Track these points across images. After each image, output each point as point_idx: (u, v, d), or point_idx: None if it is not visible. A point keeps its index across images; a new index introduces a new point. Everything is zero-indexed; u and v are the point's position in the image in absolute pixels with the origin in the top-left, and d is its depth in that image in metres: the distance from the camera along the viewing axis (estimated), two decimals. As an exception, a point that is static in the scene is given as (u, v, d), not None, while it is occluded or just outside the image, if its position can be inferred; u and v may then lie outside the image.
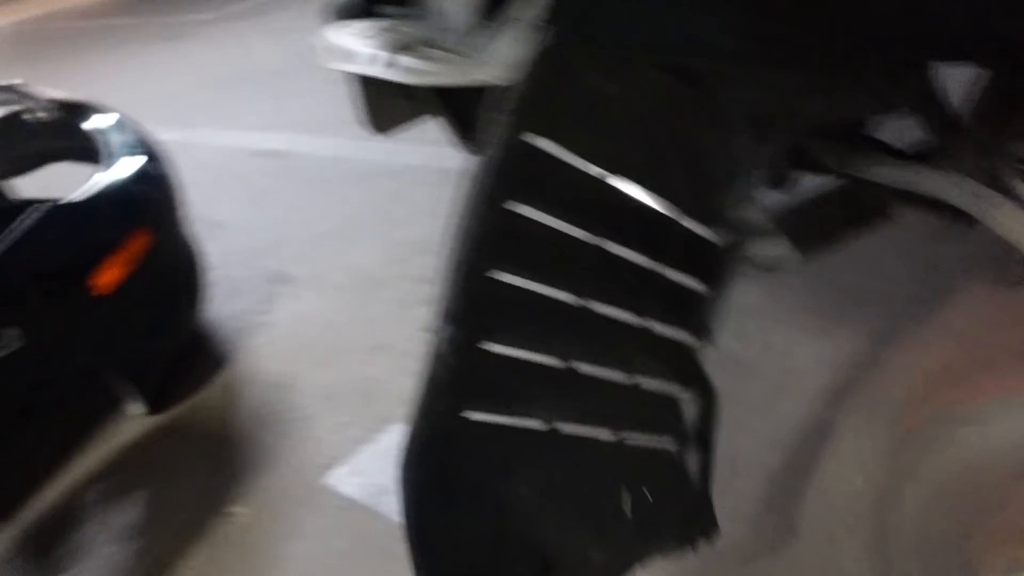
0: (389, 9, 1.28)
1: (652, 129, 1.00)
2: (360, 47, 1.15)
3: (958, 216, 1.44)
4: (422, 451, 0.90)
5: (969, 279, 2.16)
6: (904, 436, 0.85)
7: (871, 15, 1.15)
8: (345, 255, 3.20)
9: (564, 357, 0.98)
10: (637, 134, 0.99)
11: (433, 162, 3.52)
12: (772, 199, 1.49)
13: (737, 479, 1.77)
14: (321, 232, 3.43)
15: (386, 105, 1.55)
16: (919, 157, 1.44)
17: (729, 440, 1.87)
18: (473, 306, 0.88)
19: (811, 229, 1.45)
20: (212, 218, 3.66)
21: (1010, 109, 1.27)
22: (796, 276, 2.39)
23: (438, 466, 0.93)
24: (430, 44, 1.09)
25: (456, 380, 0.89)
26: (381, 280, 2.94)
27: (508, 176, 0.85)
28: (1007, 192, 1.27)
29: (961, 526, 0.85)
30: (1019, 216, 1.12)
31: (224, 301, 2.98)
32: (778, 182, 1.76)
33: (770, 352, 2.15)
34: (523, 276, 0.93)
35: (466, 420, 0.93)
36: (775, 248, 1.25)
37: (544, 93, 0.82)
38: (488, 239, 0.86)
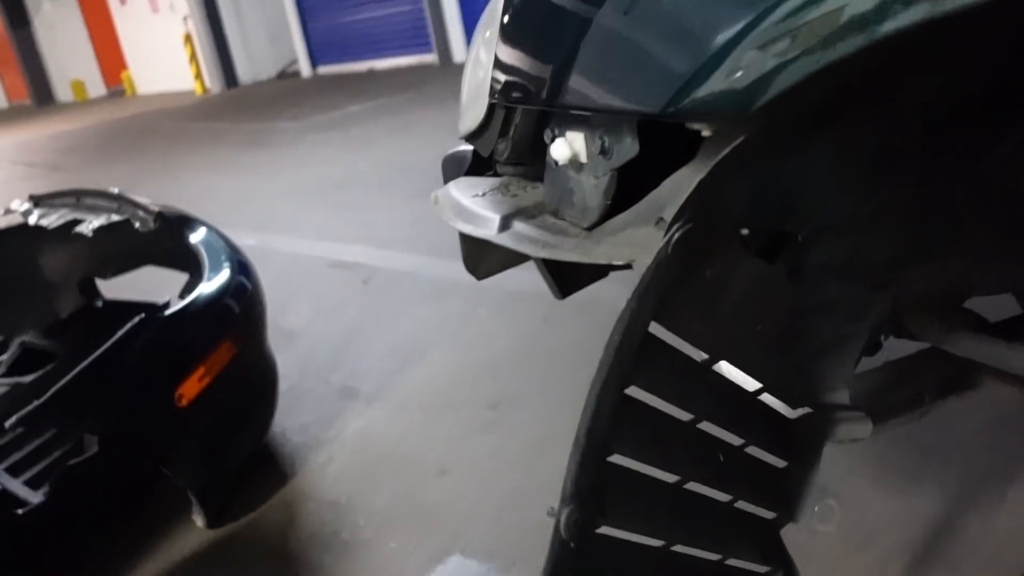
0: (508, 168, 1.33)
1: (751, 311, 1.02)
2: (476, 207, 1.20)
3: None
4: None
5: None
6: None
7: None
8: (414, 374, 3.24)
9: (668, 539, 0.99)
10: (736, 318, 1.02)
11: (505, 284, 3.57)
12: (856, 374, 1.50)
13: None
14: (392, 348, 3.49)
15: (489, 252, 1.60)
16: (1013, 333, 1.44)
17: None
18: (593, 488, 0.88)
19: (891, 406, 1.45)
20: (283, 327, 3.78)
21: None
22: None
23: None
24: (550, 212, 1.12)
25: (577, 563, 0.89)
26: (449, 402, 2.96)
27: (629, 362, 0.88)
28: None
29: None
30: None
31: (290, 414, 3.03)
32: (872, 349, 1.76)
33: (845, 508, 2.09)
34: (635, 458, 0.95)
35: None
36: (858, 427, 1.25)
37: (666, 282, 0.85)
38: (610, 423, 0.88)
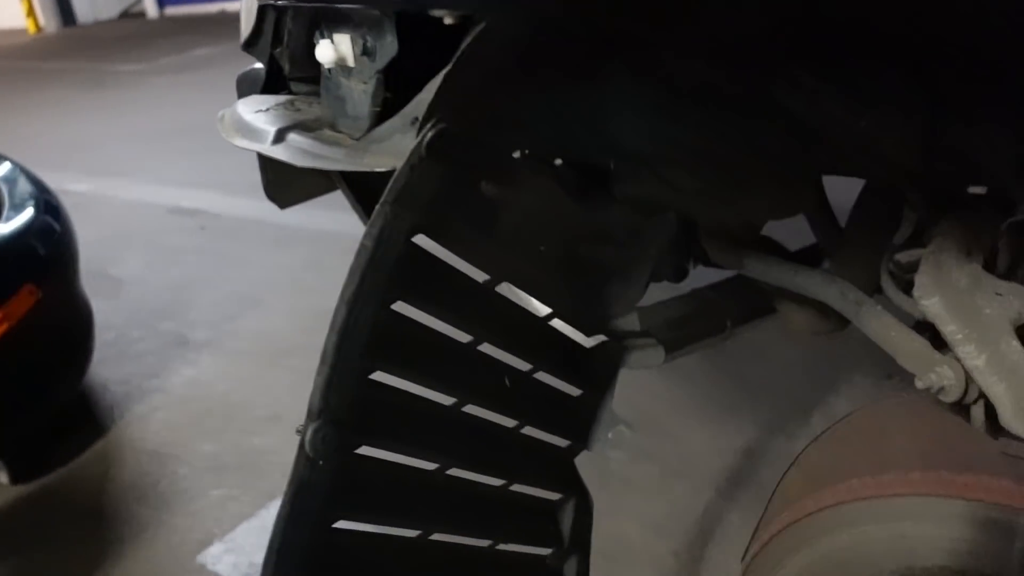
0: (299, 87, 1.26)
1: (539, 233, 1.00)
2: (256, 122, 1.12)
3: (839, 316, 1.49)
4: (289, 565, 0.83)
5: (859, 373, 2.24)
6: (778, 531, 0.85)
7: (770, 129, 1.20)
8: (250, 320, 3.12)
9: (442, 462, 0.96)
10: (523, 238, 0.99)
11: (351, 230, 3.47)
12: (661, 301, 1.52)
13: (623, 567, 1.75)
14: (228, 296, 3.34)
15: (288, 179, 1.52)
16: (809, 261, 1.49)
17: (618, 527, 1.88)
18: (350, 407, 0.83)
19: (695, 332, 1.47)
20: (112, 275, 3.56)
21: (888, 218, 1.32)
22: (690, 362, 2.43)
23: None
24: (329, 126, 1.07)
25: (331, 487, 0.84)
26: (285, 349, 2.86)
27: (391, 273, 0.83)
28: (882, 296, 1.31)
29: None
30: (883, 318, 1.16)
31: (113, 364, 2.87)
32: (678, 275, 1.79)
33: (663, 437, 2.15)
34: (402, 377, 0.90)
35: (338, 531, 0.88)
36: (651, 354, 1.26)
37: (426, 189, 0.80)
38: (368, 338, 0.83)
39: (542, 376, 1.15)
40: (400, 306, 0.91)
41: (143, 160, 5.63)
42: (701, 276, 1.62)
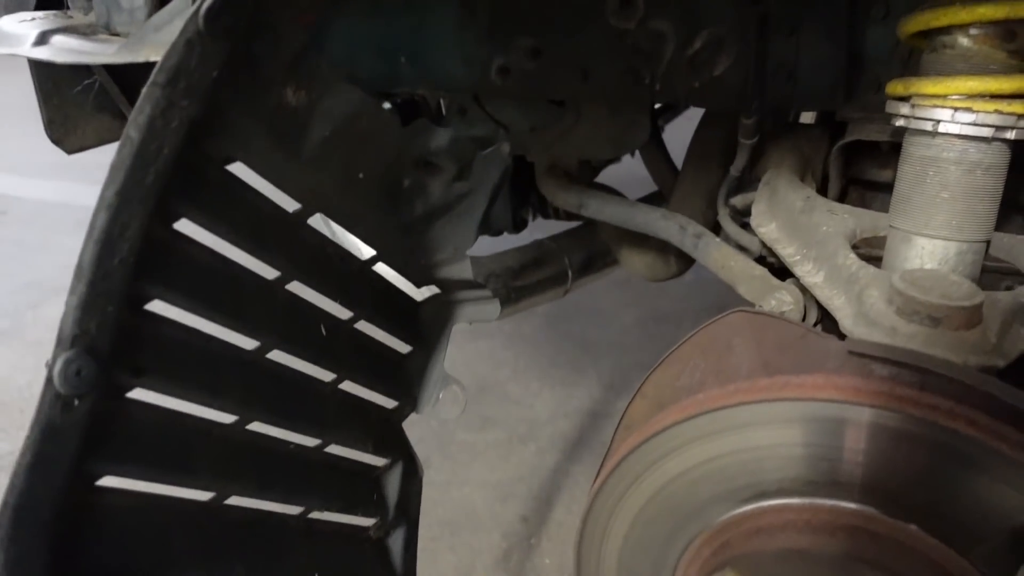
0: (74, 2, 1.09)
1: (356, 157, 0.88)
2: (19, 29, 0.95)
3: (679, 258, 1.46)
4: (32, 525, 0.67)
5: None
6: (625, 455, 0.78)
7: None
8: (49, 307, 2.82)
9: (238, 412, 0.82)
10: (338, 160, 0.87)
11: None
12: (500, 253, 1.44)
13: (469, 534, 1.67)
14: (27, 282, 3.01)
15: (71, 116, 1.33)
16: (647, 201, 1.46)
17: (464, 495, 1.80)
18: (115, 336, 0.68)
19: (535, 284, 1.41)
20: None
21: (722, 153, 1.30)
22: (532, 328, 2.39)
23: (56, 551, 0.68)
24: (103, 28, 0.92)
25: (89, 434, 0.68)
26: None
27: (166, 179, 0.69)
28: (718, 230, 1.29)
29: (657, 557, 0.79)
30: (722, 248, 1.13)
31: None
32: (518, 226, 1.73)
33: (508, 403, 2.09)
34: (185, 308, 0.76)
35: (101, 489, 0.72)
36: (485, 307, 1.18)
37: (206, 72, 0.67)
38: (139, 254, 0.68)
39: (365, 328, 1.03)
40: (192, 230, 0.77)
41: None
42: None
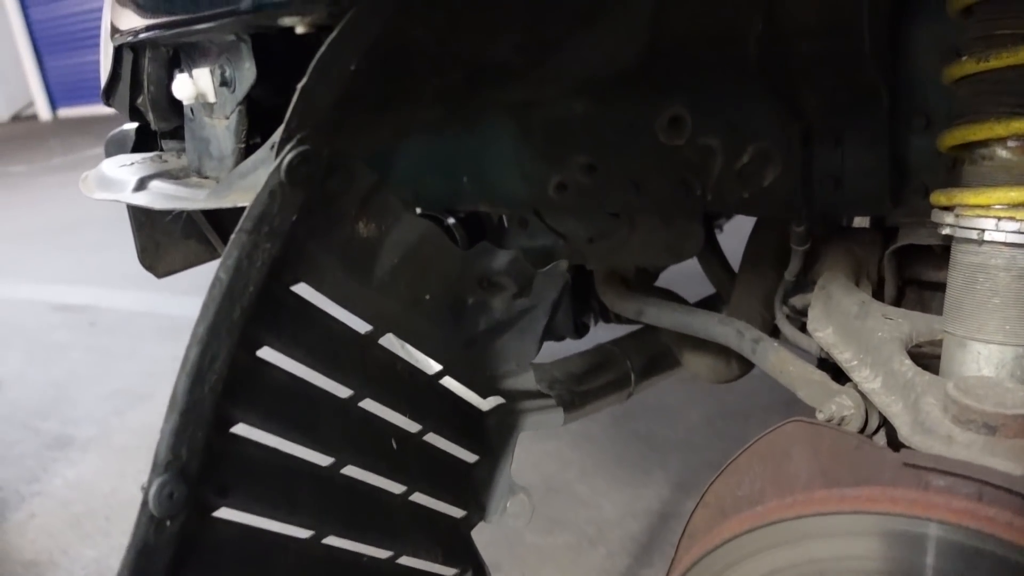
0: (169, 144, 1.20)
1: (422, 280, 0.94)
2: (119, 175, 1.06)
3: (740, 361, 1.48)
4: None
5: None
6: (688, 568, 0.80)
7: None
8: (139, 414, 2.94)
9: (314, 526, 0.87)
10: (405, 285, 0.93)
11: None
12: (563, 359, 1.48)
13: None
14: (116, 390, 3.15)
15: (162, 244, 1.44)
16: (703, 307, 1.49)
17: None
18: (204, 460, 0.74)
19: (598, 388, 1.43)
20: (-10, 376, 3.34)
21: (777, 257, 1.33)
22: (599, 427, 2.39)
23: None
24: (195, 172, 1.01)
25: (179, 552, 0.73)
26: (175, 441, 2.69)
27: (251, 312, 0.75)
28: (777, 334, 1.31)
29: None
30: (780, 352, 1.14)
31: (-12, 470, 2.64)
32: (579, 331, 1.77)
33: (577, 504, 2.09)
34: (266, 429, 0.82)
35: None
36: (549, 416, 1.21)
37: (287, 217, 0.74)
38: (227, 382, 0.74)
39: (434, 439, 1.08)
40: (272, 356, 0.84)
41: (28, 259, 5.41)
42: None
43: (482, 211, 1.53)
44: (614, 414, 2.43)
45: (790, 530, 0.72)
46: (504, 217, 1.56)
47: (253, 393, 0.79)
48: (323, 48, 0.67)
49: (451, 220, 1.56)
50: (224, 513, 0.79)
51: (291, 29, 0.70)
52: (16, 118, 15.04)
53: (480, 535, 1.14)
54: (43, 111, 14.52)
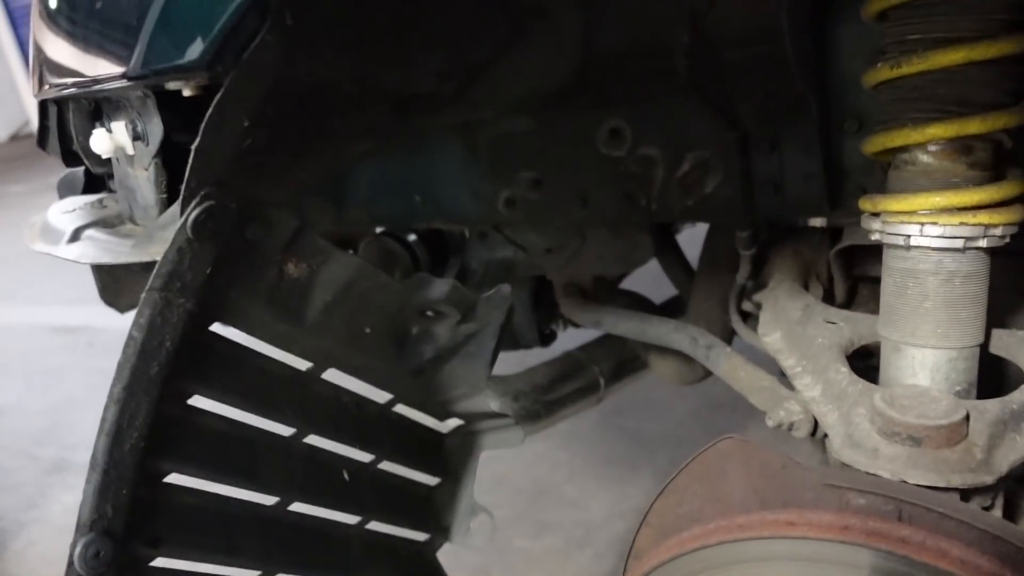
0: (113, 184, 1.20)
1: (359, 315, 0.94)
2: (59, 224, 1.06)
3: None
4: None
5: (753, 420, 2.23)
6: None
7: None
8: (134, 436, 2.96)
9: (260, 568, 0.87)
10: (341, 321, 0.93)
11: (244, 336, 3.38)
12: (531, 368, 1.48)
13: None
14: (112, 412, 3.17)
15: (120, 282, 1.45)
16: (675, 311, 1.49)
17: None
18: (133, 514, 0.75)
19: (568, 395, 1.43)
20: (-13, 404, 3.37)
21: (731, 261, 1.32)
22: (587, 425, 2.40)
23: None
24: (128, 219, 1.01)
25: None
26: (171, 461, 2.71)
27: (173, 365, 0.76)
28: (732, 337, 1.31)
29: None
30: (732, 359, 1.14)
31: (-14, 499, 2.67)
32: (546, 340, 1.76)
33: (565, 506, 2.09)
34: (200, 477, 0.83)
35: None
36: (508, 434, 1.21)
37: (198, 271, 0.74)
38: (149, 438, 0.75)
39: (390, 466, 1.08)
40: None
41: (25, 281, 5.43)
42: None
43: (441, 227, 1.53)
44: (602, 411, 2.42)
45: (713, 556, 0.73)
46: (465, 231, 1.56)
47: (184, 443, 0.80)
48: (210, 110, 0.68)
49: (412, 237, 1.56)
50: (161, 562, 0.80)
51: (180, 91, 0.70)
52: (14, 138, 15.07)
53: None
54: (40, 129, 14.54)
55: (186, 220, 0.72)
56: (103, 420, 0.73)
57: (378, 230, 1.57)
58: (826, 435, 0.98)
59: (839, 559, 0.67)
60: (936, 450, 0.75)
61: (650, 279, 1.68)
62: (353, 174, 1.32)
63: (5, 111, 14.94)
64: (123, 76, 0.71)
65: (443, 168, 1.29)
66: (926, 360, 0.87)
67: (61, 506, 2.60)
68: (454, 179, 1.29)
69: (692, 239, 1.60)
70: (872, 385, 0.88)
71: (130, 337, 0.72)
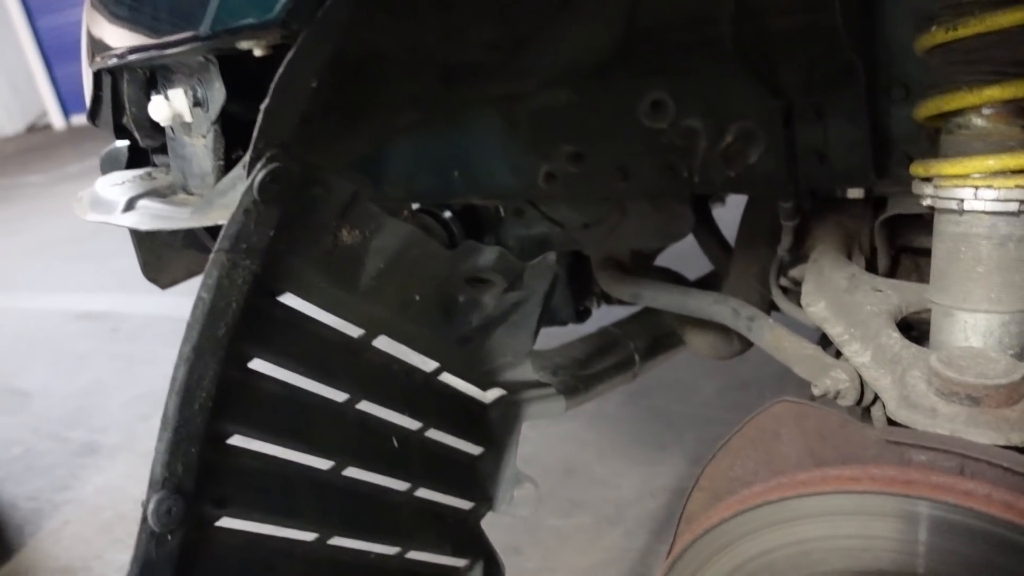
0: (160, 158, 1.21)
1: (409, 282, 0.95)
2: (110, 195, 1.07)
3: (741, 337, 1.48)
4: None
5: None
6: (681, 552, 0.81)
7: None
8: (159, 418, 2.98)
9: (317, 530, 0.89)
10: (392, 288, 0.95)
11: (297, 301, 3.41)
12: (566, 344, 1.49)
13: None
14: (140, 395, 3.21)
15: (162, 257, 1.46)
16: (709, 287, 1.49)
17: (551, 584, 1.82)
18: (201, 474, 0.76)
19: (603, 370, 1.44)
20: (17, 387, 3.40)
21: (771, 232, 1.32)
22: (614, 406, 2.41)
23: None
24: (183, 190, 1.02)
25: (180, 564, 0.75)
26: (200, 442, 2.74)
27: (237, 328, 0.77)
28: (773, 309, 1.31)
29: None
30: (776, 330, 1.15)
31: (21, 481, 2.70)
32: (581, 316, 1.77)
33: (595, 485, 2.10)
34: (261, 439, 0.84)
35: None
36: (550, 404, 1.22)
37: (263, 234, 0.75)
38: (216, 398, 0.77)
39: (437, 435, 1.09)
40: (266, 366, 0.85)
41: (48, 269, 5.49)
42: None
43: (477, 203, 1.54)
44: (629, 391, 2.44)
45: (777, 512, 0.73)
46: (500, 207, 1.57)
47: (246, 405, 0.81)
48: (281, 69, 0.69)
49: (447, 214, 1.57)
50: (226, 523, 0.81)
51: (252, 50, 0.71)
52: (31, 128, 15.17)
53: (500, 519, 1.16)
54: (57, 120, 14.63)
55: (253, 181, 0.73)
56: (173, 379, 0.74)
57: (414, 206, 1.58)
58: (873, 402, 0.99)
59: (903, 513, 0.67)
60: (995, 409, 0.75)
61: (676, 261, 1.68)
62: (391, 149, 1.33)
63: (21, 102, 15.04)
64: (194, 38, 0.72)
65: (482, 142, 1.29)
66: (979, 324, 0.87)
67: (93, 487, 2.63)
68: (493, 154, 1.30)
69: (721, 217, 1.60)
70: (925, 349, 0.89)
71: (199, 298, 0.73)
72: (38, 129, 15.10)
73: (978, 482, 0.66)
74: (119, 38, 0.87)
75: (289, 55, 0.68)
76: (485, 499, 1.17)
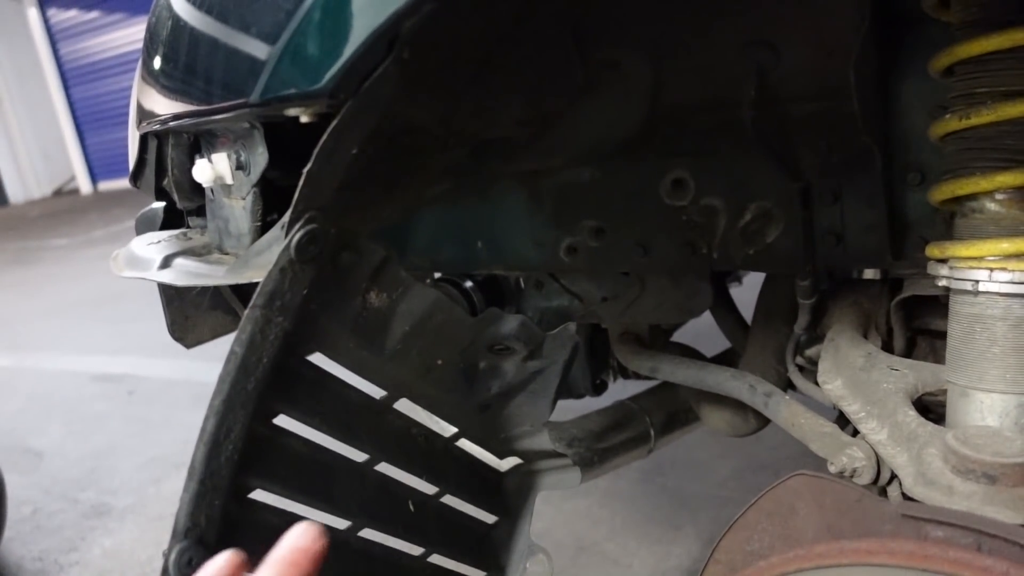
0: (195, 220, 1.26)
1: (434, 347, 0.98)
2: (146, 253, 1.11)
3: (757, 414, 1.48)
4: None
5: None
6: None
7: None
8: (174, 482, 2.98)
9: None
10: (417, 352, 0.97)
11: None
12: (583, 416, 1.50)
13: None
14: (152, 459, 3.21)
15: (190, 317, 1.49)
16: (721, 362, 1.50)
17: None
18: (223, 526, 0.78)
19: (618, 444, 1.45)
20: (31, 447, 3.41)
21: (787, 312, 1.34)
22: (628, 484, 2.39)
23: None
24: (216, 248, 1.06)
25: None
26: (209, 508, 2.73)
27: (266, 383, 0.79)
28: (789, 386, 1.32)
29: None
30: (792, 406, 1.15)
31: (29, 541, 2.69)
32: (598, 388, 1.78)
33: (607, 564, 2.08)
34: (282, 495, 0.85)
35: None
36: (566, 475, 1.23)
37: (297, 292, 0.78)
38: (243, 452, 0.78)
39: (452, 501, 1.10)
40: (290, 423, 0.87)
41: (68, 331, 5.55)
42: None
43: (498, 274, 1.56)
44: (643, 469, 2.43)
45: (793, 585, 0.73)
46: (521, 279, 1.60)
47: (269, 461, 0.83)
48: (325, 136, 0.72)
49: (469, 283, 1.60)
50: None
51: (298, 117, 0.75)
52: (58, 192, 15.53)
53: (510, 596, 1.15)
54: (84, 185, 15.00)
55: (291, 241, 0.76)
56: (202, 431, 0.76)
57: (436, 275, 1.61)
58: (890, 481, 0.99)
59: (920, 588, 0.67)
60: (1012, 487, 0.76)
61: (691, 339, 1.70)
62: (417, 219, 1.37)
63: (51, 167, 15.44)
64: (243, 104, 0.76)
65: (507, 215, 1.33)
66: (995, 405, 0.88)
67: (101, 549, 2.61)
68: (517, 226, 1.33)
69: (739, 297, 1.62)
70: (941, 427, 0.90)
71: (231, 352, 0.76)
72: (65, 194, 15.44)
73: (996, 558, 0.66)
74: (168, 105, 0.91)
75: (334, 123, 0.72)
76: (498, 569, 1.17)
